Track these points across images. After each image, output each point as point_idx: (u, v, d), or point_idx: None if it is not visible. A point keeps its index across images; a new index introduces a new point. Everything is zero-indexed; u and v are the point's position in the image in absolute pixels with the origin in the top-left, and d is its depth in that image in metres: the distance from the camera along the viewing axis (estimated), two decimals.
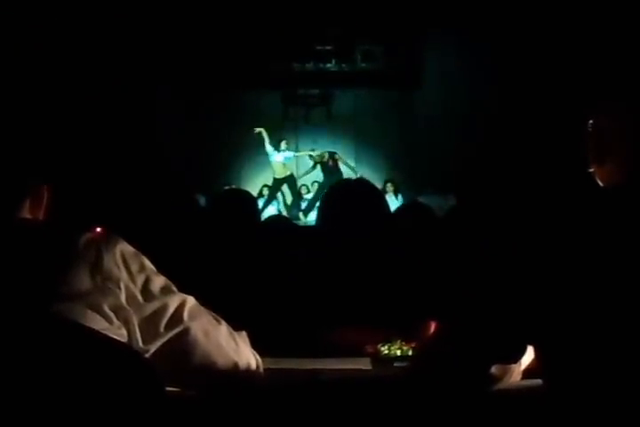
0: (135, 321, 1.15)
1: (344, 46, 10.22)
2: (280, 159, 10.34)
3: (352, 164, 10.77)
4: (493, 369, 1.27)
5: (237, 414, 1.34)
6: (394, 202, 9.33)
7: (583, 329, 1.10)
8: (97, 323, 1.10)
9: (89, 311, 1.10)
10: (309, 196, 10.66)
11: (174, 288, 1.24)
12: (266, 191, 10.47)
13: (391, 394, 1.36)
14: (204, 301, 1.28)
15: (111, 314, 1.12)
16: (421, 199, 9.28)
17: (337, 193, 2.32)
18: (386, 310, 1.91)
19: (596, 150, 1.29)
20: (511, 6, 8.49)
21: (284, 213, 10.23)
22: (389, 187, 9.98)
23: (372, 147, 10.90)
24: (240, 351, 1.31)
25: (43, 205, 1.27)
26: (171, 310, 1.20)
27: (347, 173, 10.41)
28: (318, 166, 10.53)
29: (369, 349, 1.70)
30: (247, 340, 1.37)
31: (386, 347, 1.69)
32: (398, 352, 1.68)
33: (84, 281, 1.12)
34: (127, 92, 8.48)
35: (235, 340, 1.30)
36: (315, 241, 2.25)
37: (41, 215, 1.27)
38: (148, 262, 1.22)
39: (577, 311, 1.10)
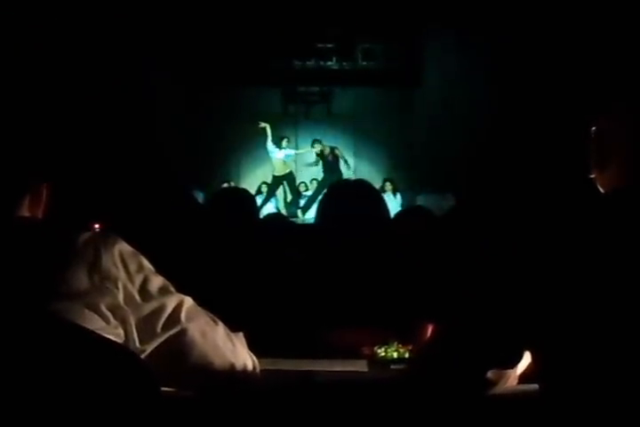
0: (132, 321, 1.15)
1: (345, 45, 10.22)
2: (281, 156, 10.34)
3: (351, 162, 10.78)
4: (489, 374, 1.27)
5: (233, 415, 1.34)
6: (392, 201, 9.34)
7: (581, 335, 1.10)
8: (94, 322, 1.10)
9: (86, 311, 1.10)
10: (308, 193, 10.67)
11: (172, 289, 1.24)
12: (264, 188, 10.47)
13: (387, 397, 1.37)
14: (201, 301, 1.28)
15: (108, 314, 1.12)
16: (420, 198, 9.31)
17: (336, 193, 2.32)
18: (383, 312, 1.91)
19: (598, 155, 1.28)
20: (512, 5, 8.48)
21: (283, 210, 10.24)
22: (388, 186, 9.99)
23: (371, 145, 10.91)
24: (237, 352, 1.31)
25: (42, 202, 1.26)
26: (168, 310, 1.20)
27: (345, 171, 10.42)
28: (320, 162, 10.52)
29: (366, 351, 1.70)
30: (244, 341, 1.37)
31: (382, 349, 1.69)
32: (395, 355, 1.68)
33: (81, 280, 1.12)
34: (126, 85, 8.47)
35: (231, 341, 1.31)
36: (313, 241, 2.25)
37: (40, 213, 1.26)
38: (146, 262, 1.21)
39: (575, 317, 1.10)
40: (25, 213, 1.23)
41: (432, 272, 2.09)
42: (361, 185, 2.34)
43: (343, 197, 2.23)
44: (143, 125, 8.80)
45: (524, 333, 1.16)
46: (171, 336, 1.20)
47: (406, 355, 1.68)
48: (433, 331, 1.66)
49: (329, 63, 10.35)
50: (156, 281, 1.21)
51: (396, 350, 1.69)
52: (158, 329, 1.19)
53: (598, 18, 7.40)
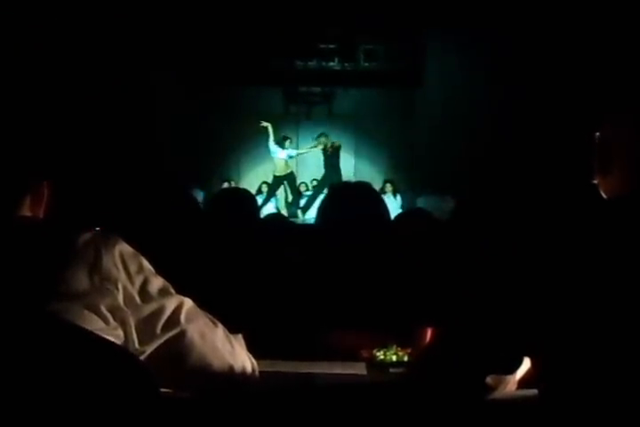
0: (132, 322, 1.15)
1: (347, 45, 10.23)
2: (283, 156, 10.34)
3: (352, 162, 10.79)
4: (488, 379, 1.27)
5: (232, 417, 1.34)
6: (392, 202, 9.35)
7: (581, 340, 1.09)
8: (93, 323, 1.09)
9: (86, 311, 1.10)
10: (309, 193, 10.67)
11: (172, 290, 1.23)
12: (265, 188, 10.47)
13: (386, 400, 1.36)
14: (201, 302, 1.28)
15: (108, 315, 1.12)
16: (420, 200, 9.31)
17: (337, 195, 2.33)
18: (383, 315, 1.91)
19: (601, 160, 1.28)
20: (513, 6, 8.47)
21: (283, 210, 10.24)
22: (388, 187, 10.00)
23: (372, 146, 10.92)
24: (236, 354, 1.31)
25: (43, 202, 1.26)
26: (168, 311, 1.20)
27: (344, 168, 10.41)
28: (321, 155, 10.50)
29: (364, 353, 1.70)
30: (243, 343, 1.37)
31: (382, 352, 1.69)
32: (394, 358, 1.68)
33: (81, 281, 1.12)
34: (126, 84, 8.47)
35: (231, 343, 1.31)
36: (313, 243, 2.25)
37: (41, 213, 1.26)
38: (146, 263, 1.21)
39: (576, 323, 1.10)
40: (26, 212, 1.23)
41: (432, 275, 2.09)
42: (361, 187, 2.34)
43: (343, 199, 2.23)
44: (144, 125, 8.80)
45: (524, 338, 1.16)
46: (170, 338, 1.20)
47: (405, 358, 1.67)
48: (432, 335, 1.66)
49: (331, 64, 10.35)
50: (156, 282, 1.21)
51: (395, 354, 1.69)
52: (158, 330, 1.18)
53: (602, 19, 7.39)
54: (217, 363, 1.27)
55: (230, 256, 2.27)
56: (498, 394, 1.30)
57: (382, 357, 1.69)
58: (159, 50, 9.26)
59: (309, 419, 1.39)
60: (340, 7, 9.52)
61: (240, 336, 1.37)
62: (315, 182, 10.71)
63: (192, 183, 8.85)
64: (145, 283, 1.19)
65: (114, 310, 1.13)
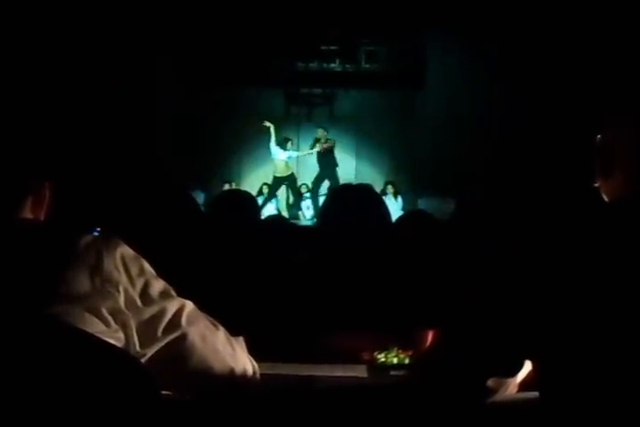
0: (133, 325, 1.15)
1: (348, 47, 10.23)
2: (284, 157, 10.35)
3: (352, 164, 10.79)
4: (489, 382, 1.26)
5: (233, 420, 1.34)
6: (393, 204, 9.35)
7: (582, 343, 1.09)
8: (95, 326, 1.09)
9: (87, 314, 1.10)
10: (309, 194, 10.67)
11: (173, 293, 1.23)
12: (265, 189, 10.47)
13: (386, 403, 1.36)
14: (201, 305, 1.28)
15: (109, 317, 1.12)
16: (421, 202, 9.31)
17: (338, 197, 2.33)
18: (384, 317, 1.90)
19: (602, 163, 1.28)
20: (515, 7, 8.47)
21: (284, 211, 10.24)
22: (389, 189, 9.98)
23: (373, 147, 10.91)
24: (237, 357, 1.31)
25: (44, 203, 1.26)
26: (169, 314, 1.20)
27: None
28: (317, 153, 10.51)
29: (365, 356, 1.70)
30: (244, 345, 1.37)
31: (382, 355, 1.69)
32: (395, 360, 1.68)
33: (83, 283, 1.12)
34: (127, 85, 8.47)
35: (232, 345, 1.31)
36: (314, 245, 2.25)
37: (42, 214, 1.26)
38: (147, 266, 1.21)
39: (577, 326, 1.09)
40: (27, 214, 1.23)
41: (433, 278, 2.09)
42: (362, 189, 2.34)
43: (344, 201, 2.23)
44: (144, 126, 8.80)
45: (525, 341, 1.16)
46: (171, 340, 1.20)
47: (406, 361, 1.67)
48: (434, 337, 1.66)
49: (332, 65, 10.36)
50: (157, 285, 1.21)
51: (396, 356, 1.69)
52: (159, 333, 1.18)
53: (605, 21, 7.39)
54: (218, 366, 1.27)
55: (231, 258, 2.27)
56: (499, 397, 1.30)
57: (383, 359, 1.69)
58: (160, 51, 9.27)
59: (310, 422, 1.39)
60: (341, 8, 9.53)
61: (241, 339, 1.37)
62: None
63: (193, 185, 8.84)
64: (146, 285, 1.19)
65: (115, 313, 1.13)
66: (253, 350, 1.38)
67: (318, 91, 10.97)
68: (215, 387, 1.29)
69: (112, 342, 1.09)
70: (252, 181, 10.56)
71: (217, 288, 2.02)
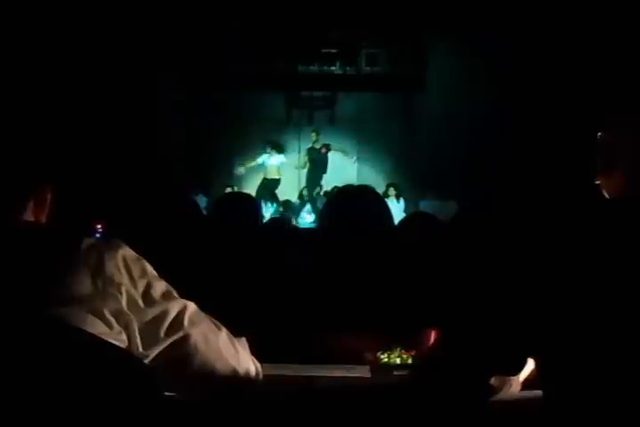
0: (135, 326, 1.15)
1: (348, 50, 10.24)
2: (275, 162, 10.42)
3: (354, 166, 10.79)
4: (493, 380, 1.27)
5: (236, 421, 1.34)
6: (395, 206, 9.34)
7: (585, 342, 1.10)
8: (97, 328, 1.10)
9: (90, 316, 1.10)
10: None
11: (175, 294, 1.24)
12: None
13: (390, 403, 1.36)
14: (204, 306, 1.28)
15: (112, 319, 1.12)
16: (423, 204, 9.30)
17: (339, 199, 2.33)
18: (386, 318, 1.90)
19: (604, 163, 1.28)
20: (515, 10, 8.48)
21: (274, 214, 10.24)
22: (391, 191, 9.97)
23: (374, 150, 10.90)
24: (239, 358, 1.31)
25: (46, 206, 1.27)
26: (171, 315, 1.20)
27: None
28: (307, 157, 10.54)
29: (368, 356, 1.70)
30: (247, 346, 1.37)
31: (385, 355, 1.69)
32: (398, 360, 1.67)
33: (85, 285, 1.12)
34: (128, 89, 8.49)
35: (234, 346, 1.31)
36: (315, 246, 2.25)
37: (44, 217, 1.26)
38: (149, 267, 1.22)
39: (579, 324, 1.10)
40: (29, 217, 1.23)
41: (436, 278, 2.09)
42: (364, 190, 2.34)
43: (346, 203, 2.23)
44: (145, 129, 8.81)
45: (528, 339, 1.16)
46: (174, 342, 1.20)
47: (409, 361, 1.67)
48: (436, 337, 1.66)
49: (332, 68, 10.37)
50: (159, 286, 1.21)
51: (399, 356, 1.69)
52: (161, 334, 1.18)
53: (606, 21, 7.39)
54: (221, 366, 1.27)
55: (233, 259, 2.27)
56: (502, 395, 1.30)
57: (386, 359, 1.68)
58: (161, 55, 9.28)
59: (313, 422, 1.39)
60: (340, 12, 9.54)
61: (244, 340, 1.37)
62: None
63: (195, 189, 8.85)
64: (148, 287, 1.19)
65: (117, 315, 1.13)
66: (256, 352, 1.38)
67: (319, 94, 10.97)
68: (218, 388, 1.29)
69: (115, 343, 1.09)
70: (254, 186, 10.56)
71: (219, 289, 2.02)
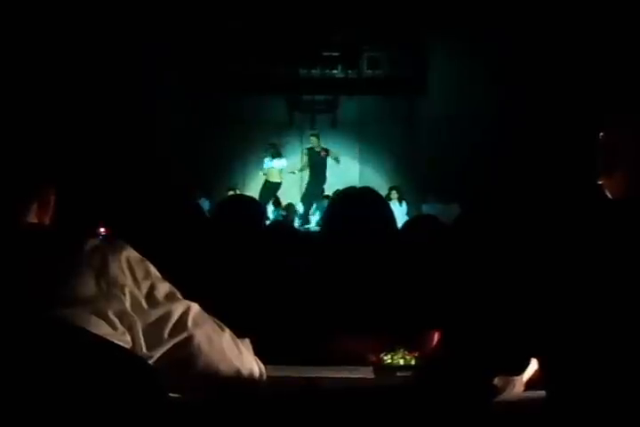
0: (139, 327, 1.15)
1: (350, 53, 10.26)
2: (277, 166, 10.42)
3: (356, 169, 10.79)
4: (496, 380, 1.27)
5: (239, 421, 1.34)
6: (398, 209, 9.33)
7: (588, 341, 1.10)
8: (101, 329, 1.10)
9: (93, 317, 1.10)
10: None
11: (179, 295, 1.24)
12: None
13: (393, 404, 1.36)
14: (207, 307, 1.28)
15: (115, 320, 1.12)
16: (426, 207, 9.30)
17: (341, 200, 2.33)
18: (389, 319, 1.90)
19: (606, 163, 1.29)
20: (516, 13, 8.49)
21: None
22: (394, 194, 9.97)
23: (376, 153, 10.91)
24: (243, 359, 1.31)
25: (50, 207, 1.27)
26: (175, 316, 1.20)
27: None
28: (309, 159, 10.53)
29: (372, 357, 1.70)
30: (250, 347, 1.37)
31: (389, 356, 1.69)
32: (401, 362, 1.67)
33: (89, 286, 1.12)
34: (130, 93, 8.50)
35: (238, 347, 1.31)
36: (318, 248, 2.25)
37: (48, 218, 1.27)
38: (153, 269, 1.22)
39: (582, 324, 1.10)
40: (33, 219, 1.23)
41: (439, 279, 2.09)
42: (366, 192, 2.34)
43: (348, 204, 2.23)
44: (147, 133, 8.82)
45: (531, 339, 1.16)
46: (177, 343, 1.20)
47: (412, 362, 1.67)
48: (439, 338, 1.66)
49: (334, 71, 10.38)
50: (163, 287, 1.21)
51: (403, 357, 1.68)
52: (165, 335, 1.19)
53: (607, 21, 7.39)
54: (224, 367, 1.27)
55: (236, 261, 2.27)
56: (505, 396, 1.30)
57: (389, 360, 1.68)
58: (162, 58, 9.30)
59: (316, 423, 1.39)
60: (342, 15, 9.56)
61: (247, 341, 1.38)
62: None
63: (197, 192, 8.86)
64: (152, 288, 1.19)
65: (121, 316, 1.13)
66: (259, 353, 1.38)
67: (321, 97, 10.99)
68: (222, 389, 1.29)
69: (119, 344, 1.09)
70: (257, 188, 10.57)
71: (223, 290, 2.02)
